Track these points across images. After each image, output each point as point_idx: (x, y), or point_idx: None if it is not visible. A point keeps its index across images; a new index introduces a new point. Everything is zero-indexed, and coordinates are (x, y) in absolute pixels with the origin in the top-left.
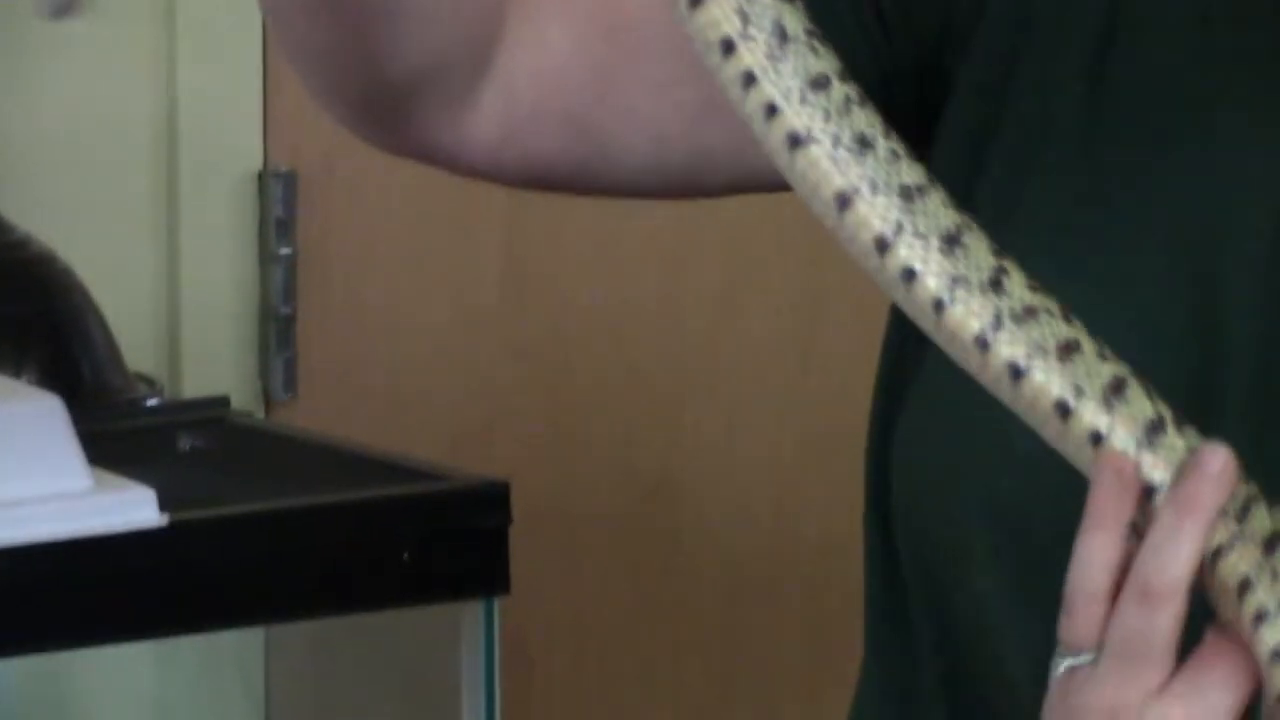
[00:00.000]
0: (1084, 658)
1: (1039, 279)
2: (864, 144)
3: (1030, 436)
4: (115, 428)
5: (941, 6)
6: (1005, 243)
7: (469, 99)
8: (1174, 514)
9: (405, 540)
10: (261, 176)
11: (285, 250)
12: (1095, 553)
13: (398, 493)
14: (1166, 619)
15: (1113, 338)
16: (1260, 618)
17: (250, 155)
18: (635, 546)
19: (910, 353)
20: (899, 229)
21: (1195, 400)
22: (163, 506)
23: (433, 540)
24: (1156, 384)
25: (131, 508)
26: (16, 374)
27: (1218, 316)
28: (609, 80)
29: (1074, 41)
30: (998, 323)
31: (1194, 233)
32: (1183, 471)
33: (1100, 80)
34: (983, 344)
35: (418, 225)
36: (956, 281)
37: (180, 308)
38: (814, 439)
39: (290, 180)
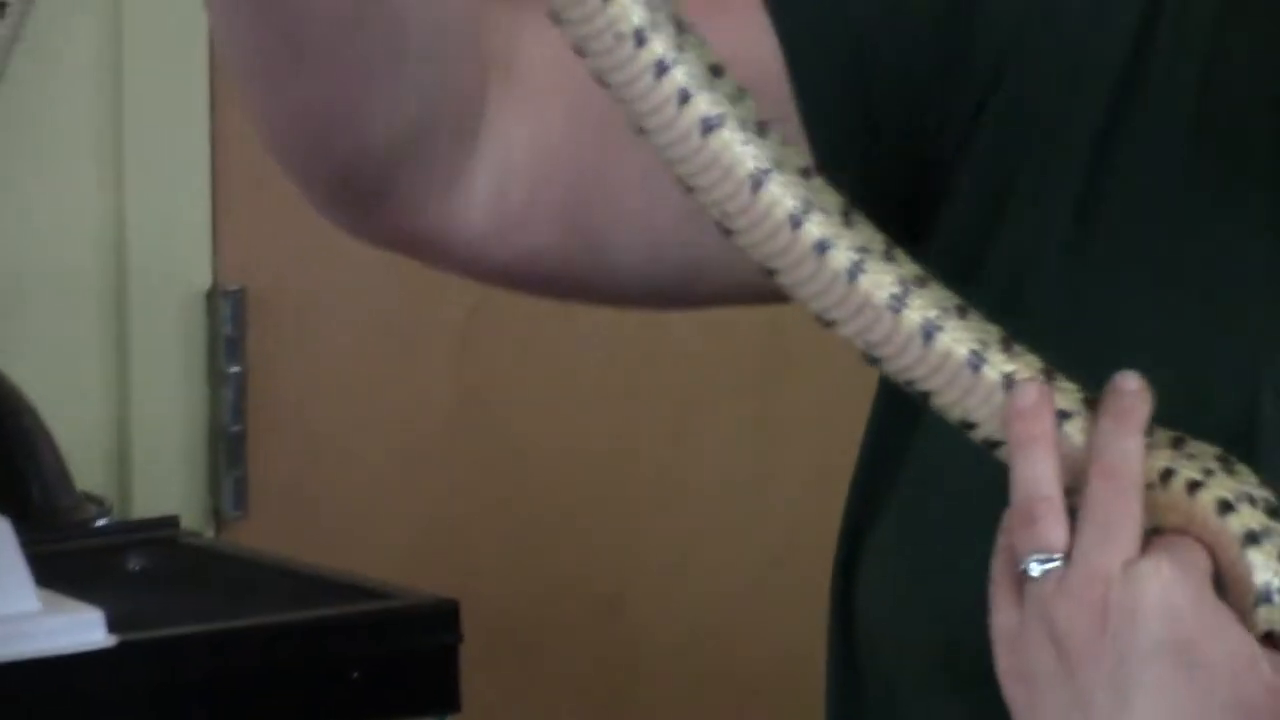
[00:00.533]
0: (1057, 558)
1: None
2: (762, 129)
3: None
4: (64, 548)
5: (939, 104)
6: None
7: (457, 178)
8: (1111, 419)
9: (355, 659)
10: (210, 294)
11: (235, 368)
12: (1036, 464)
13: (347, 611)
14: (1133, 495)
15: None
16: (1225, 507)
17: (199, 273)
18: (589, 666)
19: (886, 463)
20: (808, 205)
21: None
22: (111, 628)
23: (383, 659)
24: None
25: (80, 629)
26: None
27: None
28: (607, 170)
29: (1073, 147)
30: (905, 288)
31: (1189, 352)
32: (1107, 393)
33: (1097, 191)
34: (896, 308)
35: (369, 344)
36: (863, 251)
37: (130, 426)
38: (769, 559)
39: (239, 298)
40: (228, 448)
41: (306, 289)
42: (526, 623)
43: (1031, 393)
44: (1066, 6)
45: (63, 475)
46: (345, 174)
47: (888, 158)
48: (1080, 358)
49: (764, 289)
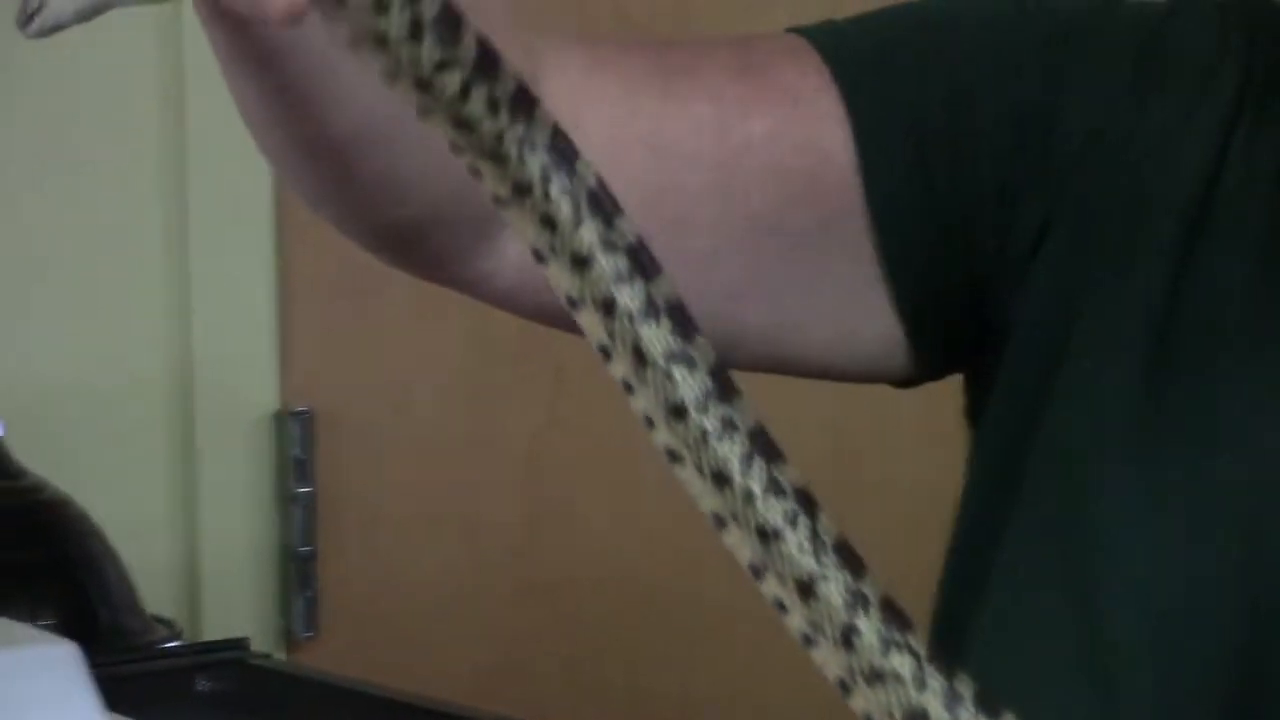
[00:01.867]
0: None
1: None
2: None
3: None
4: (132, 671)
5: (1000, 226)
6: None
7: (483, 245)
8: None
9: None
10: (279, 416)
11: (304, 489)
12: None
13: None
14: None
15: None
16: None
17: (266, 394)
18: None
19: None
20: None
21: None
22: None
23: None
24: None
25: None
26: (32, 620)
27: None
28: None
29: (1146, 277)
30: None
31: (1253, 477)
32: None
33: (1173, 300)
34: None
35: (437, 464)
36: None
37: (199, 548)
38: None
39: (307, 419)
40: (298, 568)
41: (374, 409)
42: None
43: None
44: (1133, 144)
45: (130, 597)
46: (377, 242)
47: (951, 272)
48: (1154, 511)
49: (805, 363)
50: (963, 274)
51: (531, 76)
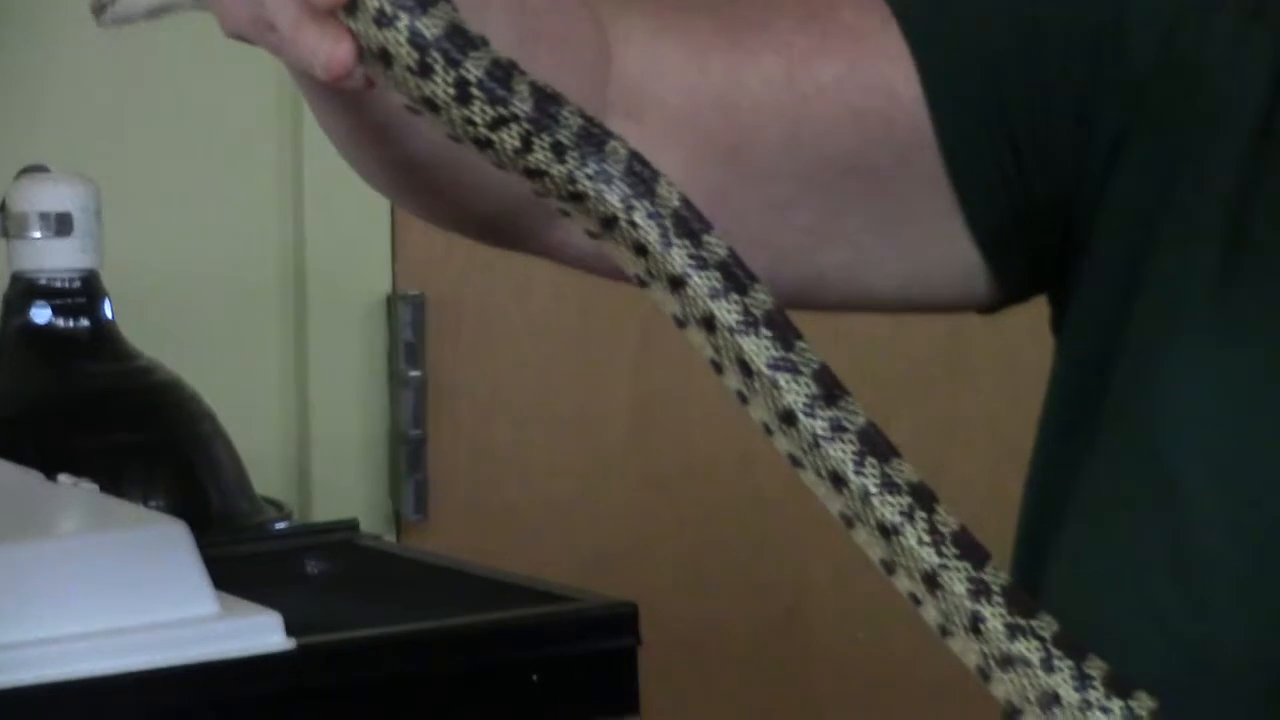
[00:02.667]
0: None
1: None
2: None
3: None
4: (243, 552)
5: (1075, 146)
6: (1182, 373)
7: (556, 222)
8: None
9: (534, 662)
10: (390, 300)
11: (415, 373)
12: None
13: (526, 615)
14: None
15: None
16: None
17: (379, 279)
18: (765, 673)
19: (1062, 475)
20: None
21: None
22: (290, 631)
23: (562, 661)
24: None
25: (258, 632)
26: (144, 500)
27: None
28: (724, 202)
29: (1216, 192)
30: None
31: None
32: None
33: (1242, 234)
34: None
35: (548, 350)
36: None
37: (310, 432)
38: None
39: (419, 304)
40: (408, 452)
41: (485, 295)
42: (703, 628)
43: None
44: (1202, 57)
45: (241, 480)
46: (462, 229)
47: (1029, 194)
48: (1233, 394)
49: (889, 296)
50: (1041, 195)
51: (601, 50)
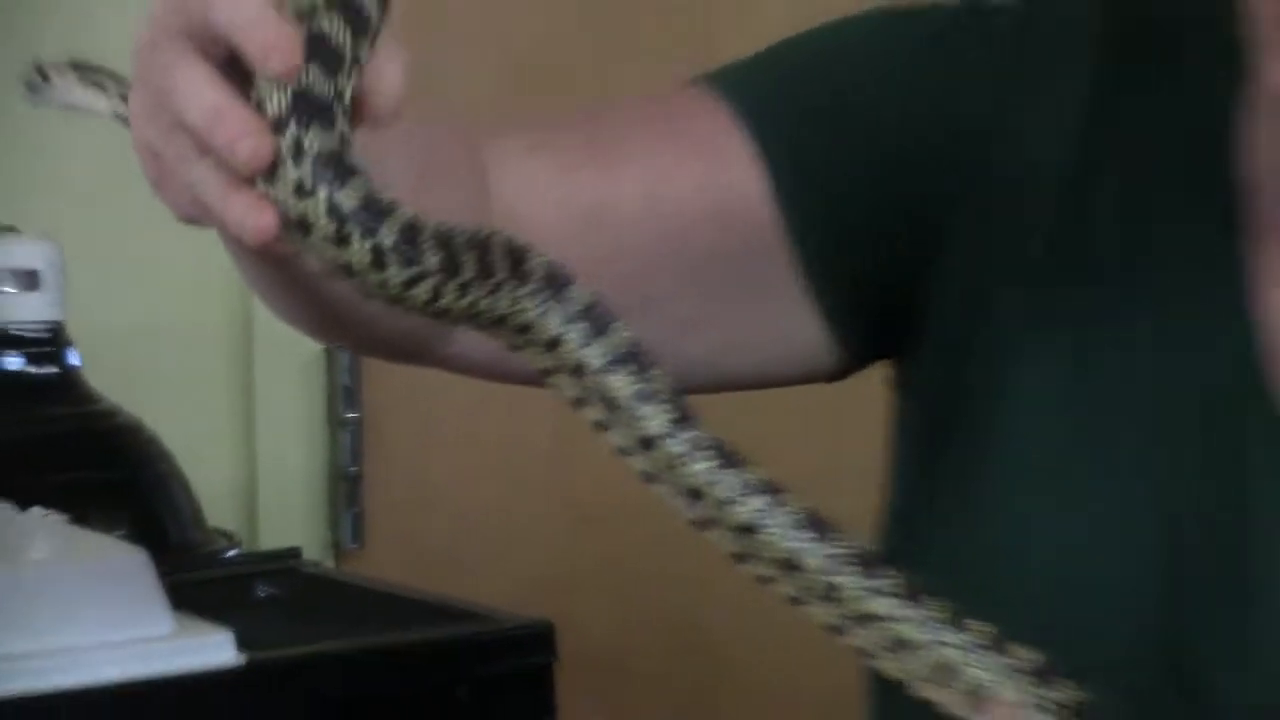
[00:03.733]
0: None
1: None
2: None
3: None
4: (196, 578)
5: (910, 232)
6: (987, 439)
7: (443, 339)
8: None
9: (461, 678)
10: (328, 351)
11: (352, 415)
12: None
13: (453, 634)
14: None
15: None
16: None
17: None
18: (676, 685)
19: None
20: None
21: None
22: (240, 647)
23: (486, 677)
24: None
25: (211, 650)
26: (108, 531)
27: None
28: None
29: (1032, 255)
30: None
31: (1180, 419)
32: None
33: (1055, 284)
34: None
35: (473, 393)
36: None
37: (256, 469)
38: None
39: (354, 354)
40: (346, 488)
41: None
42: (617, 645)
43: None
44: (1020, 141)
45: (195, 513)
46: (354, 349)
47: (871, 273)
48: (1063, 438)
49: (747, 376)
50: (883, 275)
51: (480, 173)
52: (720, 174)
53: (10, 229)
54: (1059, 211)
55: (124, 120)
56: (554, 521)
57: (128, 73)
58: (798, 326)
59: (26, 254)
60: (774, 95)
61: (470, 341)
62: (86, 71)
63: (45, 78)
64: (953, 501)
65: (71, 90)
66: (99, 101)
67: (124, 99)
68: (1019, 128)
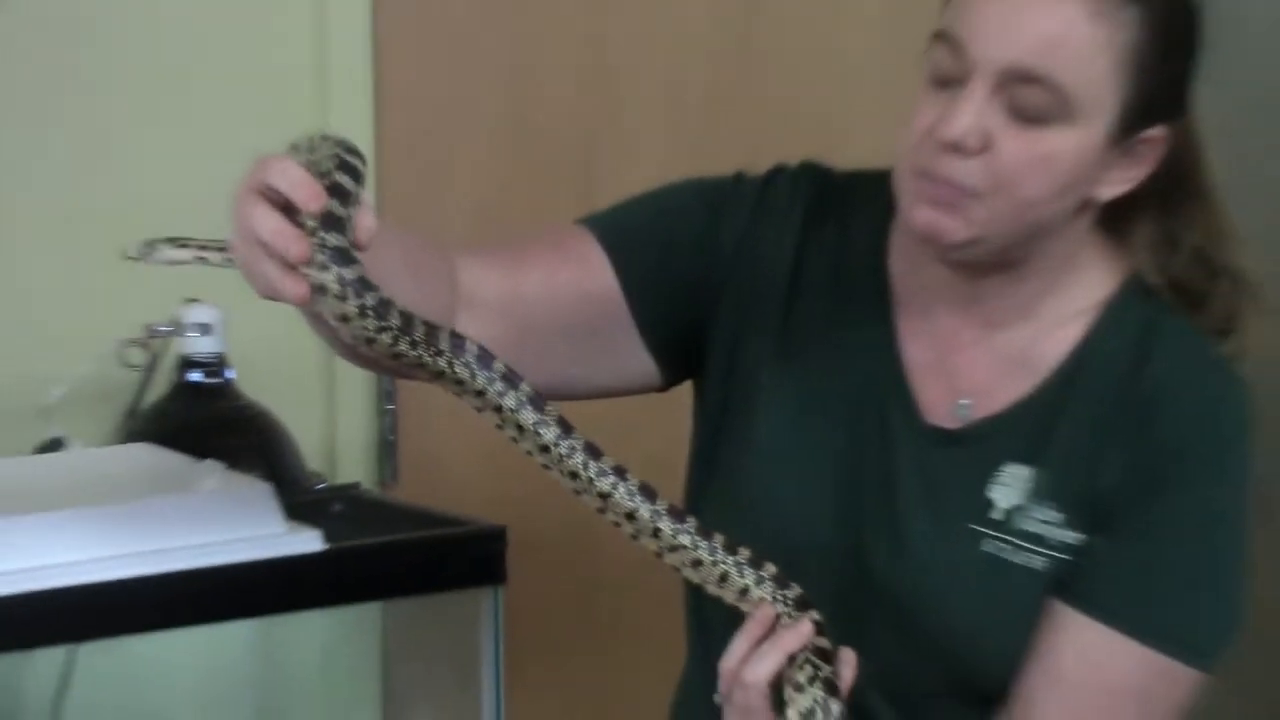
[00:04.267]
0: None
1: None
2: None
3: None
4: (299, 500)
5: (702, 300)
6: (743, 427)
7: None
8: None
9: (450, 554)
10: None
11: (390, 406)
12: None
13: (448, 534)
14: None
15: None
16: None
17: None
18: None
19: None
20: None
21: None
22: (324, 541)
23: (466, 557)
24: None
25: (306, 542)
26: (249, 473)
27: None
28: (523, 348)
29: (772, 307)
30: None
31: (853, 417)
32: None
33: (791, 333)
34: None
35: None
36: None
37: (336, 435)
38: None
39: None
40: (387, 448)
41: None
42: (561, 540)
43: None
44: (771, 238)
45: (299, 462)
46: (366, 367)
47: (688, 337)
48: (788, 428)
49: (604, 391)
50: (683, 331)
51: (450, 272)
52: (588, 273)
53: (194, 300)
54: (784, 293)
55: (201, 262)
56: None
57: None
58: (637, 362)
59: (203, 314)
60: (622, 229)
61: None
62: (175, 240)
63: (152, 248)
64: (722, 470)
65: (168, 254)
66: (184, 255)
67: (202, 248)
68: (757, 248)
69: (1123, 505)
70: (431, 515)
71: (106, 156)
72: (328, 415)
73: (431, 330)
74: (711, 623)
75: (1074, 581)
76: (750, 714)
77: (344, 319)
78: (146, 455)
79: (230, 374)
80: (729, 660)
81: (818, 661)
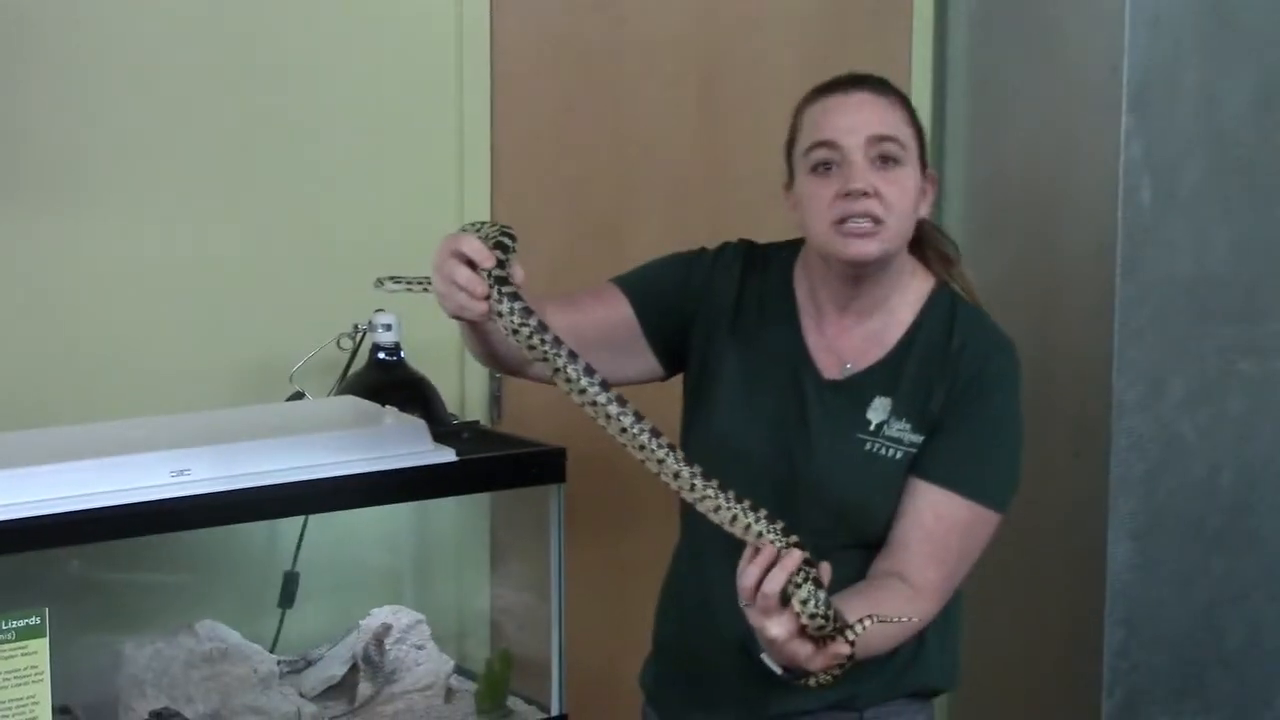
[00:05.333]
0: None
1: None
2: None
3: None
4: (440, 430)
5: (681, 324)
6: (712, 393)
7: (527, 369)
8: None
9: (530, 463)
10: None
11: (497, 376)
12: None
13: (527, 451)
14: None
15: (751, 427)
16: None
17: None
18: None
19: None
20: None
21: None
22: (457, 455)
23: (540, 465)
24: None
25: (444, 455)
26: (414, 414)
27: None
28: (585, 355)
29: (725, 329)
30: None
31: (779, 381)
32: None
33: (739, 336)
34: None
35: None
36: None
37: (464, 393)
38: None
39: None
40: (497, 403)
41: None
42: (603, 459)
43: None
44: (722, 282)
45: (443, 407)
46: (500, 370)
47: (678, 342)
48: (741, 414)
49: (629, 381)
50: (675, 341)
51: (577, 306)
52: (615, 310)
53: (382, 310)
54: (731, 314)
55: (409, 291)
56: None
57: None
58: (646, 362)
59: (387, 318)
60: (638, 283)
61: (538, 370)
62: (399, 278)
63: (382, 283)
64: (698, 427)
65: (390, 286)
66: (399, 286)
67: (409, 283)
68: (715, 288)
69: (947, 415)
70: (520, 440)
71: (324, 208)
72: (460, 381)
73: (558, 341)
74: (699, 533)
75: (924, 466)
76: (769, 612)
77: (515, 333)
78: (351, 405)
79: (402, 354)
80: (747, 580)
81: (807, 569)
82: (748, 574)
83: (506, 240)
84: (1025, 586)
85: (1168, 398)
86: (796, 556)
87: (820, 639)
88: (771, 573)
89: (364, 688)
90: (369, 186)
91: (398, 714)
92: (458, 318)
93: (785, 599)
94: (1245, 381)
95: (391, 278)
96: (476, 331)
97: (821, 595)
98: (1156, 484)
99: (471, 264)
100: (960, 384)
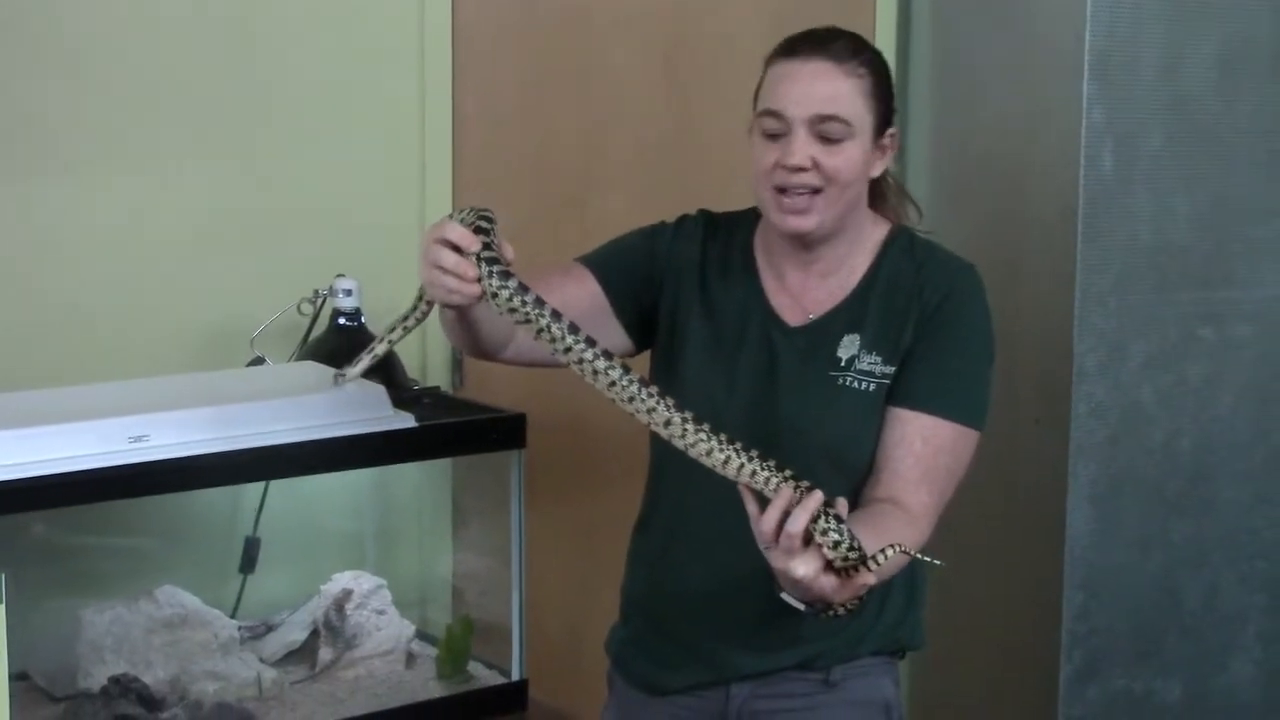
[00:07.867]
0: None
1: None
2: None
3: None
4: (401, 396)
5: (651, 294)
6: (683, 357)
7: (503, 352)
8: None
9: (491, 429)
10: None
11: (459, 356)
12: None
13: (487, 417)
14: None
15: (720, 387)
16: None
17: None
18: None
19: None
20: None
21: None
22: (416, 420)
23: (501, 431)
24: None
25: (404, 421)
26: (372, 380)
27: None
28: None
29: (694, 294)
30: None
31: (747, 336)
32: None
33: (705, 300)
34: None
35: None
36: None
37: (427, 365)
38: None
39: None
40: (459, 373)
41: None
42: (562, 425)
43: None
44: (685, 251)
45: (403, 372)
46: (477, 354)
47: (646, 314)
48: (706, 370)
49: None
50: (645, 313)
51: (547, 284)
52: (585, 287)
53: (342, 274)
54: (698, 279)
55: (381, 354)
56: (543, 380)
57: None
58: (618, 337)
59: (347, 283)
60: (604, 260)
61: (512, 353)
62: (356, 359)
63: (343, 376)
64: (676, 373)
65: (356, 370)
66: (366, 360)
67: (370, 352)
68: (679, 257)
69: (920, 342)
70: (481, 406)
71: (285, 174)
72: (421, 344)
73: (557, 315)
74: (666, 480)
75: (907, 393)
76: (791, 553)
77: (502, 303)
78: (312, 369)
79: (363, 319)
80: (768, 524)
81: (826, 509)
82: (768, 518)
83: (484, 223)
84: (986, 552)
85: (1128, 364)
86: (818, 496)
87: (844, 570)
88: (794, 514)
89: (325, 653)
90: (330, 154)
91: (358, 679)
92: (450, 306)
93: (807, 538)
94: (1205, 348)
95: (348, 366)
96: (464, 319)
97: (844, 529)
98: (1116, 449)
99: (459, 250)
100: (929, 310)
